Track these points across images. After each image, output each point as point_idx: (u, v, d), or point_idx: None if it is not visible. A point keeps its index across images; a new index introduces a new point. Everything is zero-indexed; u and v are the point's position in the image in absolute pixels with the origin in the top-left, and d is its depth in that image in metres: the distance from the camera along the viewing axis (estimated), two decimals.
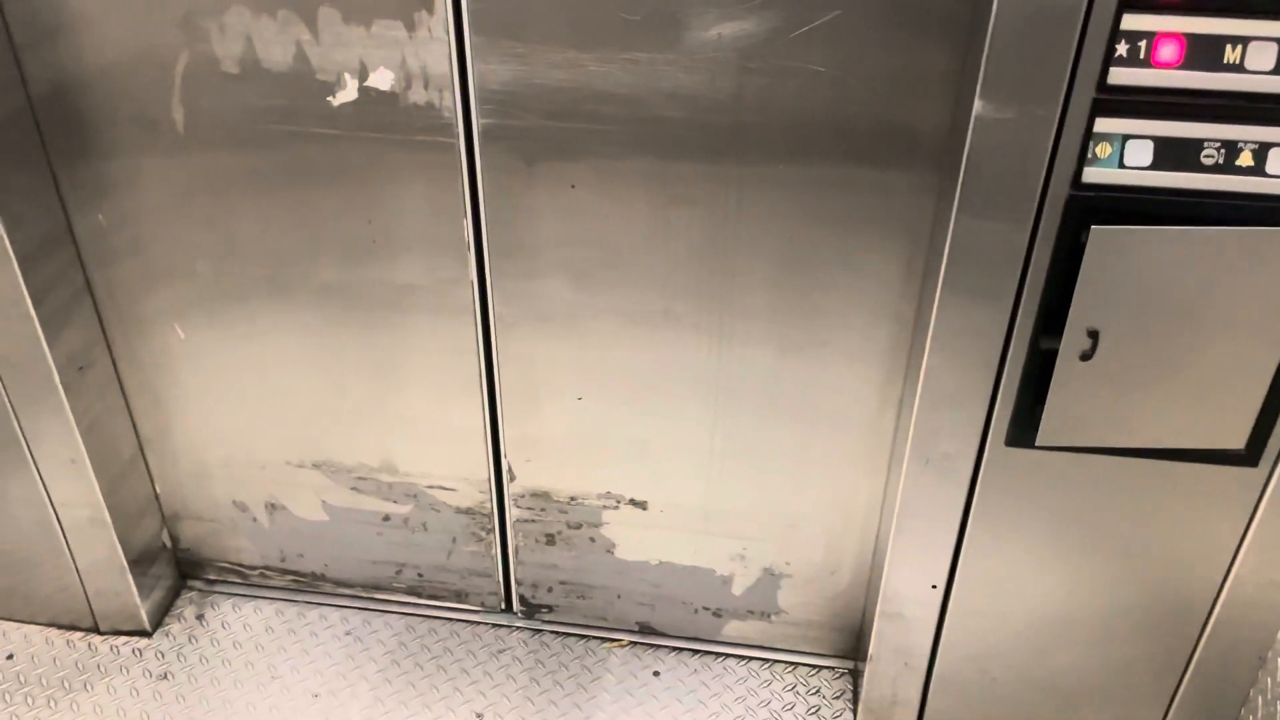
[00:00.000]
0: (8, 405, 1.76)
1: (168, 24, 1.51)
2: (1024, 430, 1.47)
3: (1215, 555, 1.57)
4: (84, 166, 1.67)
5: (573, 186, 1.56)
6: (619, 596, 2.04)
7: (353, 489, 1.99)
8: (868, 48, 1.37)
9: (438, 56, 1.47)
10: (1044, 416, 1.43)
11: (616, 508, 1.91)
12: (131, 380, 1.91)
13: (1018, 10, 1.18)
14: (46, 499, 1.88)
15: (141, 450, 2.00)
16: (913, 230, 1.51)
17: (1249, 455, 1.44)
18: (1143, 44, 1.18)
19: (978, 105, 1.25)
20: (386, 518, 2.02)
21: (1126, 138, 1.24)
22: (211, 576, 2.19)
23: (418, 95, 1.51)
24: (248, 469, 2.00)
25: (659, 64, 1.43)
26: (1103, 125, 1.23)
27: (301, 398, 1.88)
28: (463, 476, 1.93)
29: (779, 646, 2.04)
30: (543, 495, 1.92)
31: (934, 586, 1.68)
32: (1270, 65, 1.17)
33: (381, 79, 1.50)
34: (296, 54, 1.50)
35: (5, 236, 1.59)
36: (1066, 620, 1.69)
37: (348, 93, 1.53)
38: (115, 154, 1.65)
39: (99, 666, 2.01)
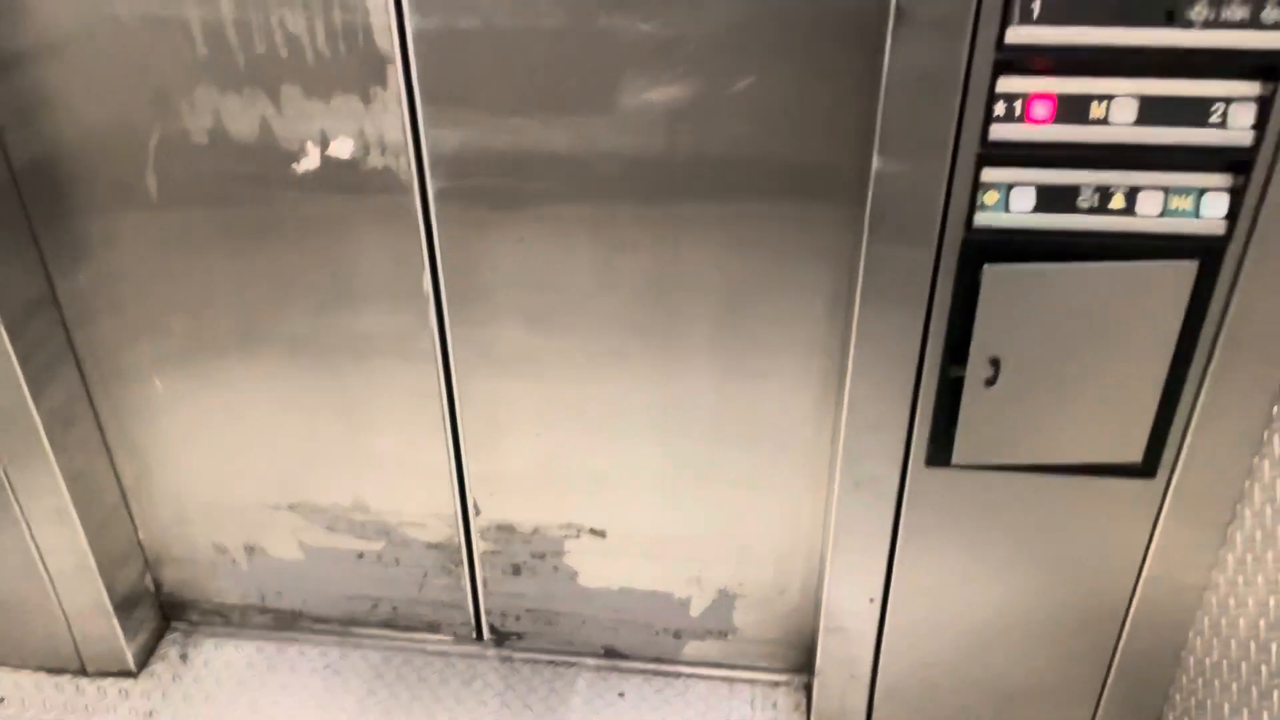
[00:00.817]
0: None
1: (141, 101, 1.63)
2: (941, 451, 1.60)
3: (1125, 561, 1.70)
4: (65, 233, 1.78)
5: (522, 239, 1.68)
6: (584, 622, 2.15)
7: (327, 528, 2.10)
8: (784, 104, 1.50)
9: (393, 125, 1.60)
10: (957, 438, 1.56)
11: (577, 537, 2.03)
12: (113, 432, 2.02)
13: (906, 75, 1.32)
14: (34, 548, 1.98)
15: (124, 498, 2.10)
16: (836, 269, 1.64)
17: (1146, 467, 1.58)
18: (1018, 103, 1.32)
19: (876, 160, 1.39)
20: (360, 555, 2.12)
21: (1010, 185, 1.38)
22: (194, 618, 2.29)
23: (376, 160, 1.64)
24: (226, 513, 2.11)
25: (596, 126, 1.57)
26: (988, 175, 1.37)
27: (275, 443, 1.99)
28: (431, 513, 2.04)
29: (737, 664, 2.15)
30: (507, 528, 2.04)
31: (871, 600, 1.80)
32: (1132, 118, 1.32)
33: (342, 147, 1.63)
34: (262, 126, 1.63)
35: None
36: (998, 626, 1.81)
37: (310, 160, 1.65)
38: (94, 220, 1.77)
39: (87, 708, 2.10)
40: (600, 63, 1.51)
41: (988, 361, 1.48)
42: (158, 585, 2.24)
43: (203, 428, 1.99)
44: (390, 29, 1.52)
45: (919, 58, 1.30)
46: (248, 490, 2.07)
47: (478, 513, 2.03)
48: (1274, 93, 1.27)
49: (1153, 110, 1.31)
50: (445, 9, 1.50)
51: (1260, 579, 1.52)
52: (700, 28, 1.46)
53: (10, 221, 1.74)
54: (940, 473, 1.63)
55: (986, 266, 1.41)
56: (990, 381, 1.50)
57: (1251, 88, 1.28)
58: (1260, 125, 1.29)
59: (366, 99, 1.59)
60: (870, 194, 1.41)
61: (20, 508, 1.93)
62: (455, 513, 2.04)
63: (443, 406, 1.90)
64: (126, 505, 2.11)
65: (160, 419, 1.99)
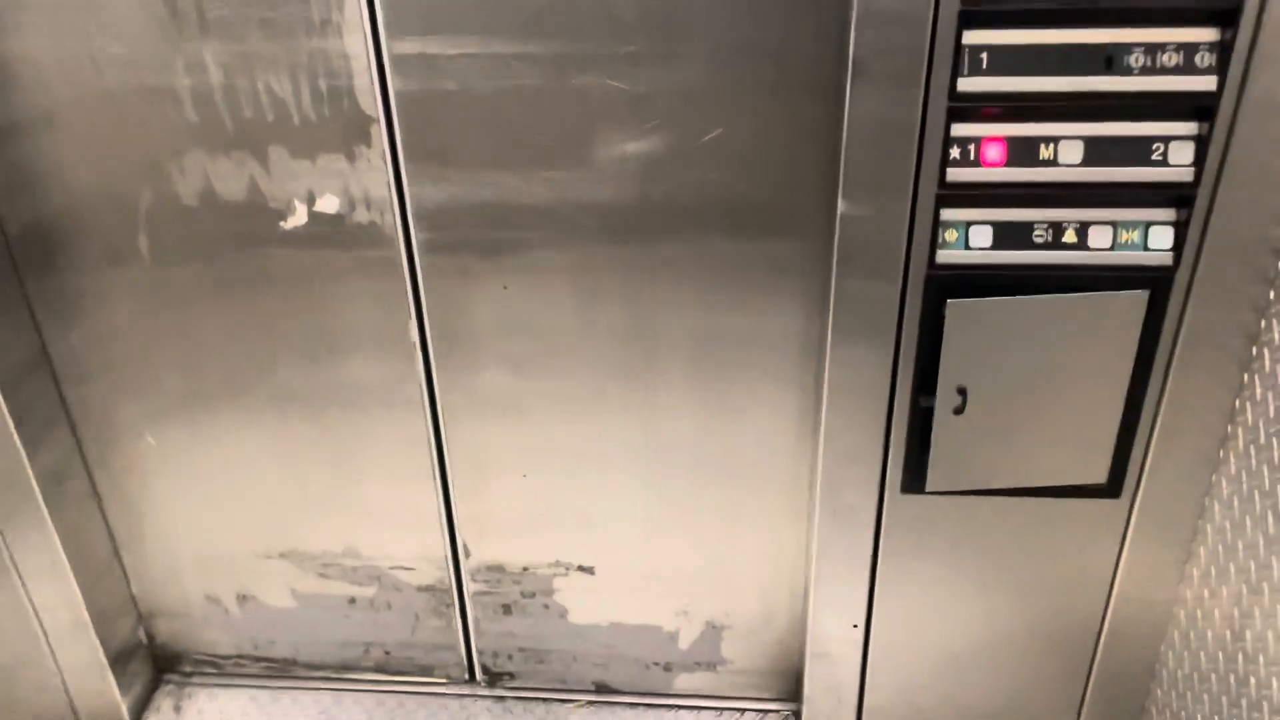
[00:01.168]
0: None
1: (132, 167, 1.69)
2: (915, 479, 1.66)
3: (1096, 579, 1.76)
4: (57, 295, 1.83)
5: (505, 287, 1.74)
6: (575, 659, 2.18)
7: (319, 575, 2.13)
8: (751, 152, 1.58)
9: (377, 182, 1.67)
10: (930, 466, 1.63)
11: (566, 574, 2.07)
12: (105, 487, 2.05)
13: (865, 124, 1.40)
14: (29, 605, 2.00)
15: (117, 552, 2.13)
16: (806, 305, 1.71)
17: (1111, 488, 1.64)
18: (971, 147, 1.40)
19: (841, 204, 1.46)
20: (352, 600, 2.16)
21: (969, 224, 1.46)
22: (187, 669, 2.31)
23: (361, 216, 1.70)
24: (218, 563, 2.14)
25: (573, 180, 1.63)
26: (947, 215, 1.45)
27: (266, 492, 2.03)
28: (422, 556, 2.08)
29: (726, 695, 2.19)
30: (497, 568, 2.08)
31: (855, 626, 1.86)
32: (1079, 159, 1.40)
33: (328, 204, 1.69)
34: (250, 186, 1.69)
35: None
36: (977, 647, 1.87)
37: (298, 217, 1.71)
38: (86, 282, 1.81)
39: None
40: (575, 119, 1.58)
41: (955, 391, 1.55)
42: (150, 637, 2.26)
43: (194, 480, 2.03)
44: (374, 91, 1.59)
45: (877, 108, 1.38)
46: (239, 540, 2.10)
47: (468, 555, 2.07)
48: (1210, 131, 1.35)
49: (1097, 151, 1.39)
50: (425, 72, 1.56)
51: (1225, 591, 1.58)
52: (669, 84, 1.54)
53: (4, 286, 1.78)
54: (915, 500, 1.69)
55: (950, 301, 1.48)
56: (959, 410, 1.56)
57: (1189, 127, 1.37)
58: (1199, 162, 1.38)
59: (351, 158, 1.65)
60: (837, 236, 1.49)
61: (15, 566, 1.95)
62: (445, 555, 2.08)
63: (431, 452, 1.94)
64: (119, 559, 2.14)
65: (152, 473, 2.02)
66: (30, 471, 1.85)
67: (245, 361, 1.87)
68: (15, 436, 1.81)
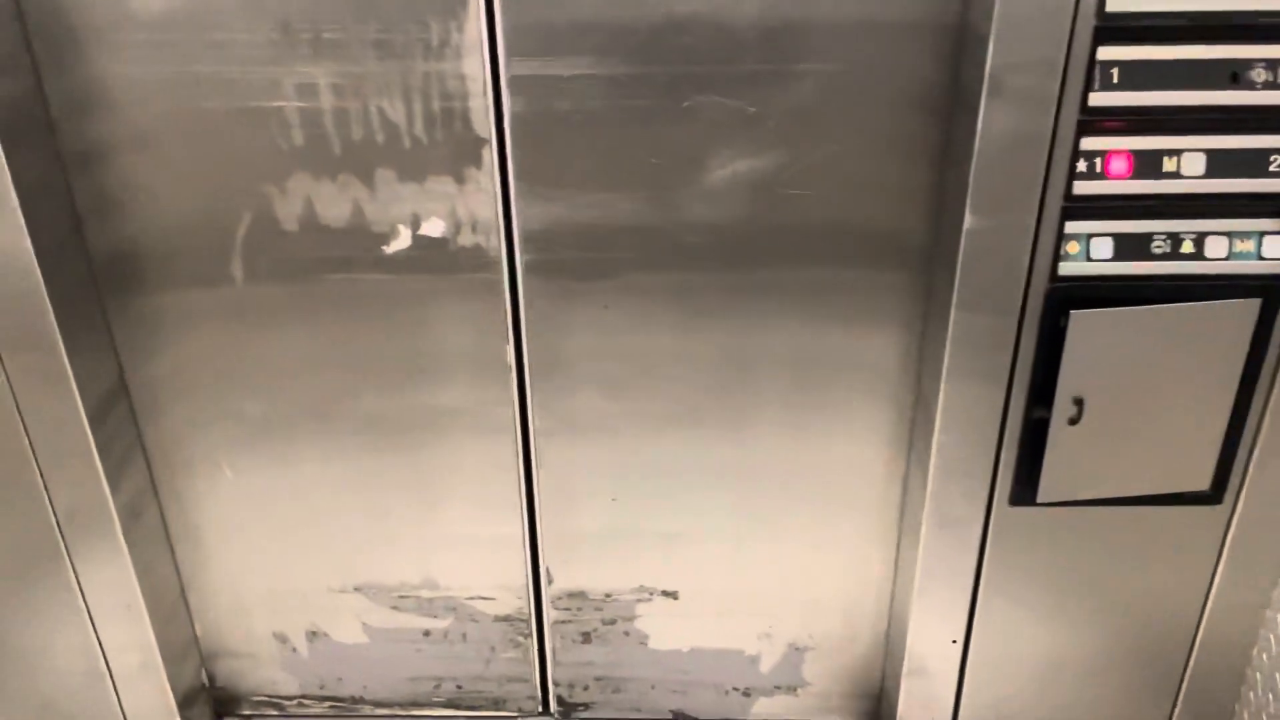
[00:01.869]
0: (66, 557, 1.83)
1: (231, 192, 1.66)
2: (1025, 490, 1.68)
3: (1193, 586, 1.79)
4: (139, 321, 1.78)
5: (605, 307, 1.74)
6: (653, 687, 2.16)
7: (393, 608, 2.09)
8: (860, 171, 1.60)
9: (485, 204, 1.66)
10: (1043, 477, 1.65)
11: (649, 600, 2.05)
12: (176, 521, 1.99)
13: (997, 138, 1.43)
14: (99, 648, 1.93)
15: (183, 590, 2.07)
16: (905, 323, 1.72)
17: (1214, 494, 1.68)
18: (1098, 160, 1.44)
19: (968, 218, 1.48)
20: (426, 633, 2.11)
21: (1090, 236, 1.49)
22: (247, 711, 2.24)
23: (466, 239, 1.69)
24: (289, 599, 2.08)
25: (681, 198, 1.64)
26: (1071, 228, 1.48)
27: (343, 523, 1.98)
28: (502, 584, 2.05)
29: (807, 718, 2.18)
30: (579, 595, 2.05)
31: (954, 641, 1.86)
32: (1201, 171, 1.44)
33: (433, 227, 1.68)
34: (354, 210, 1.67)
35: (77, 395, 1.69)
36: (1072, 659, 1.88)
37: (401, 241, 1.69)
38: (171, 308, 1.77)
39: None
40: (687, 138, 1.59)
41: (1072, 401, 1.57)
42: (210, 679, 2.19)
43: (269, 512, 1.98)
44: (488, 112, 1.58)
45: (1010, 122, 1.41)
46: (311, 574, 2.05)
47: (550, 581, 2.04)
48: None
49: (1218, 163, 1.43)
50: (541, 93, 1.57)
51: None
52: (783, 103, 1.56)
53: (88, 313, 1.74)
54: (1023, 511, 1.71)
55: (1073, 313, 1.50)
56: (1074, 420, 1.59)
57: None
58: None
59: (460, 180, 1.64)
60: (961, 251, 1.51)
61: (87, 606, 1.89)
62: (526, 583, 2.05)
63: (519, 476, 1.92)
64: (184, 598, 2.08)
65: (225, 506, 1.97)
66: (113, 506, 1.79)
67: (332, 387, 1.84)
68: (100, 469, 1.75)
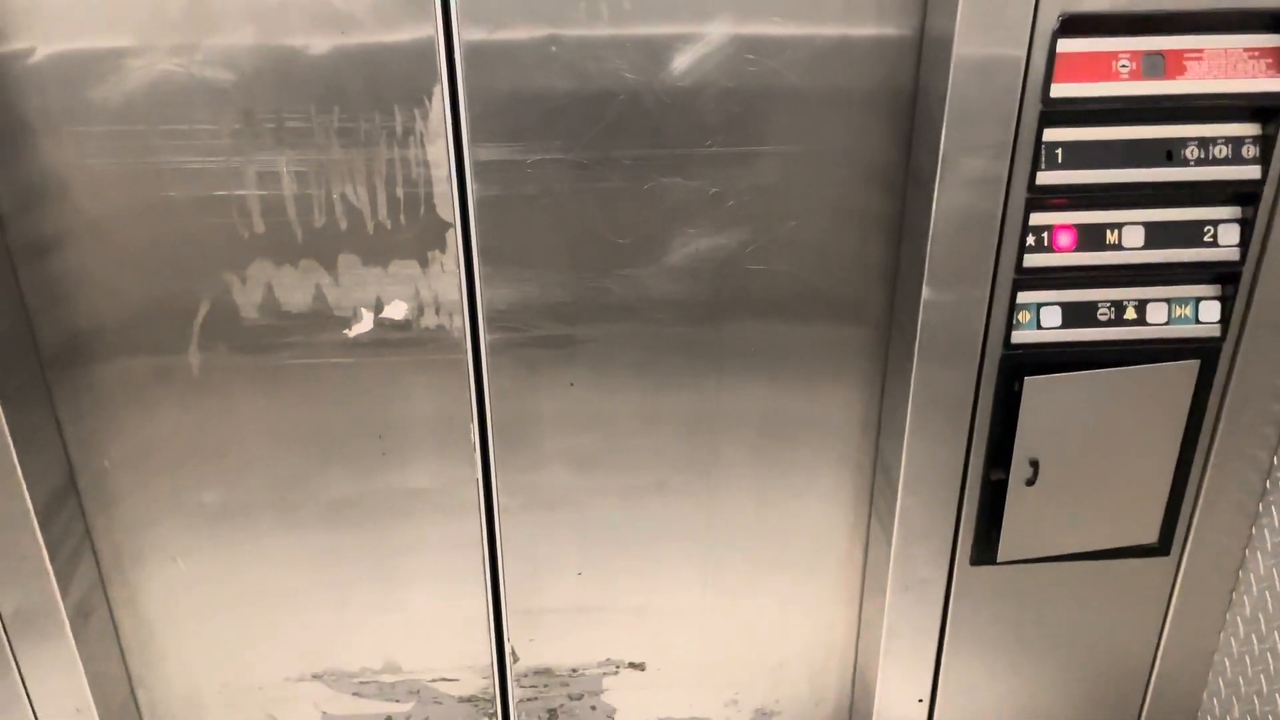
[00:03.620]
0: (12, 662, 1.75)
1: (189, 280, 1.64)
2: (985, 550, 1.73)
3: (1146, 633, 1.86)
4: (91, 417, 1.73)
5: (571, 384, 1.75)
6: None
7: (354, 694, 2.04)
8: (820, 245, 1.66)
9: (449, 287, 1.66)
10: (1002, 536, 1.70)
11: (616, 673, 2.04)
12: (126, 617, 1.92)
13: (951, 216, 1.49)
14: None
15: (133, 689, 1.99)
16: (867, 387, 1.77)
17: (1161, 546, 1.75)
18: (1046, 235, 1.51)
19: (926, 291, 1.54)
20: (389, 719, 2.07)
21: (1040, 305, 1.56)
22: None
23: (430, 320, 1.69)
24: (244, 691, 2.02)
25: (645, 276, 1.67)
26: (1023, 298, 1.55)
27: (304, 610, 1.94)
28: (466, 665, 2.02)
29: None
30: (545, 672, 2.03)
31: (920, 700, 1.89)
32: (1140, 243, 1.52)
33: (396, 310, 1.68)
34: (316, 295, 1.66)
35: (26, 495, 1.63)
36: (1033, 710, 1.93)
37: (363, 325, 1.69)
38: (123, 401, 1.73)
39: None
40: (652, 218, 1.63)
41: (1028, 463, 1.63)
42: None
43: (224, 602, 1.92)
44: (452, 197, 1.60)
45: (963, 201, 1.48)
46: (268, 664, 1.99)
47: (515, 660, 2.02)
48: (1254, 215, 1.50)
49: (1157, 234, 1.52)
50: (506, 178, 1.59)
51: (1276, 635, 1.69)
52: (743, 183, 1.61)
53: (37, 409, 1.68)
54: (984, 571, 1.76)
55: (1028, 379, 1.57)
56: (1030, 481, 1.64)
57: (1235, 211, 1.51)
58: (1244, 242, 1.52)
59: (425, 263, 1.65)
60: (920, 321, 1.56)
61: (34, 712, 1.80)
62: (491, 662, 2.02)
63: (483, 554, 1.90)
64: (134, 697, 2.00)
65: (178, 597, 1.91)
66: (62, 608, 1.72)
67: (291, 471, 1.81)
68: (50, 569, 1.69)
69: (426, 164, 1.58)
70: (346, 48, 1.50)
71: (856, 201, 1.63)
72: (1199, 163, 1.47)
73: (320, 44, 1.50)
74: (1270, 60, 1.43)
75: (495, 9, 1.49)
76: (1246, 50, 1.42)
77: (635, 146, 1.58)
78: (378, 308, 1.68)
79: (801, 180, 1.61)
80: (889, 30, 1.52)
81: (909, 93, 1.53)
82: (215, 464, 1.79)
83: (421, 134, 1.56)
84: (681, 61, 1.53)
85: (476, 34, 1.50)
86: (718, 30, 1.51)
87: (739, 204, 1.62)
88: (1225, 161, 1.47)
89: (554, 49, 1.51)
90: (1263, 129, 1.46)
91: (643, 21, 1.50)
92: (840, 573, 1.95)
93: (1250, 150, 1.46)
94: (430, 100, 1.53)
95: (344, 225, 1.61)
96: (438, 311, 1.69)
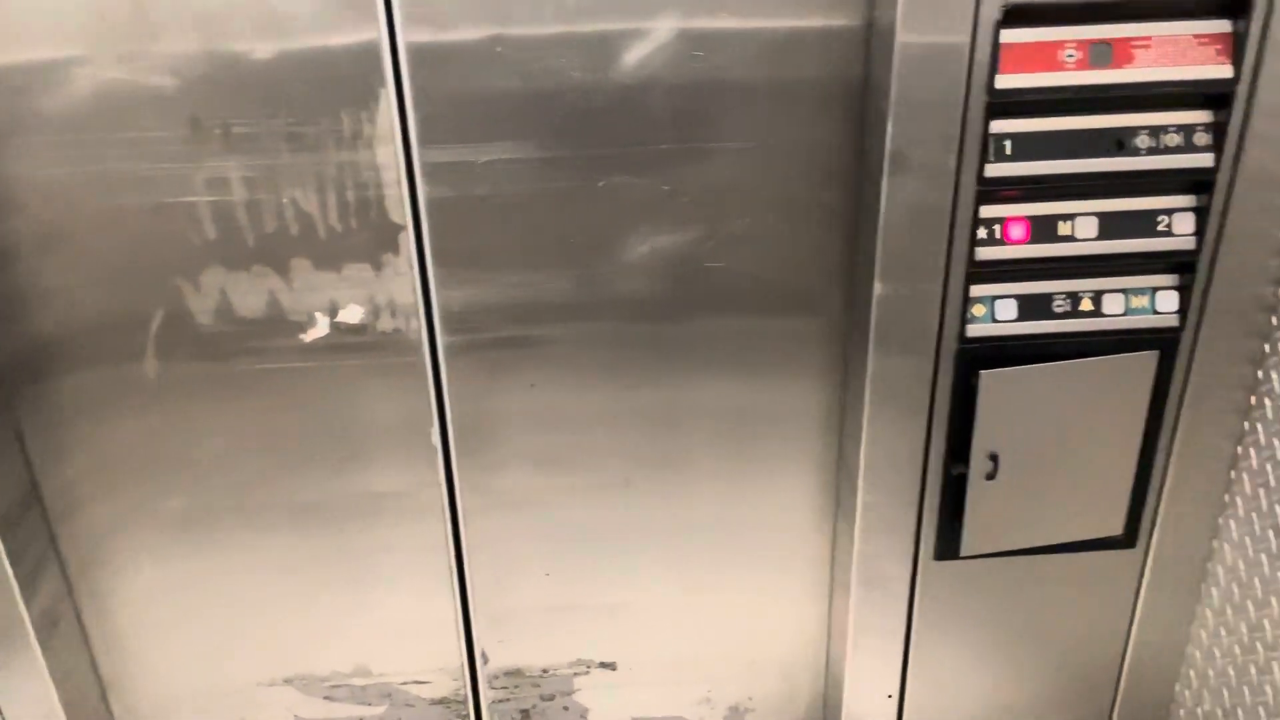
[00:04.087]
0: None
1: (143, 289, 1.64)
2: (948, 545, 1.72)
3: (1116, 627, 1.84)
4: (51, 425, 1.73)
5: (532, 385, 1.75)
6: None
7: (325, 698, 2.04)
8: (775, 240, 1.64)
9: (403, 289, 1.66)
10: (964, 531, 1.69)
11: (588, 673, 2.04)
12: (95, 624, 1.92)
13: (901, 209, 1.48)
14: None
15: (104, 694, 1.99)
16: (828, 382, 1.76)
17: (1127, 539, 1.74)
18: (997, 227, 1.50)
19: (878, 286, 1.53)
20: None
21: (995, 298, 1.55)
22: None
23: (385, 324, 1.69)
24: (216, 696, 2.02)
25: (602, 274, 1.66)
26: (976, 291, 1.54)
27: (273, 615, 1.94)
28: (437, 668, 2.02)
29: None
30: (515, 673, 2.03)
31: (889, 696, 1.88)
32: (1094, 233, 1.51)
33: (351, 314, 1.67)
34: (270, 301, 1.66)
35: None
36: (1004, 704, 1.92)
37: (319, 329, 1.68)
38: (84, 409, 1.73)
39: None
40: (606, 217, 1.62)
41: (987, 457, 1.62)
42: None
43: (193, 608, 1.92)
44: (404, 200, 1.59)
45: (912, 194, 1.47)
46: (239, 669, 2.00)
47: (486, 661, 2.02)
48: (1209, 203, 1.48)
49: (1110, 225, 1.51)
50: (456, 179, 1.58)
51: (1243, 627, 1.68)
52: (698, 180, 1.60)
53: None
54: (948, 565, 1.75)
55: (983, 372, 1.56)
56: (991, 475, 1.63)
57: (1190, 200, 1.50)
58: (1199, 231, 1.51)
59: (378, 266, 1.64)
60: (873, 316, 1.55)
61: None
62: (462, 664, 2.02)
63: (450, 557, 1.90)
64: (106, 703, 2.00)
65: (147, 604, 1.91)
66: (26, 616, 1.72)
67: (255, 476, 1.81)
68: (12, 579, 1.69)
69: (376, 167, 1.57)
70: (291, 52, 1.49)
71: (812, 196, 1.61)
72: (1150, 152, 1.46)
73: (264, 49, 1.49)
74: (1220, 46, 1.41)
75: (439, 10, 1.48)
76: (1196, 37, 1.41)
77: (586, 145, 1.57)
78: (333, 312, 1.67)
79: (756, 176, 1.60)
80: (837, 21, 1.50)
81: (859, 85, 1.52)
82: (179, 471, 1.79)
83: (370, 137, 1.55)
84: (629, 58, 1.52)
85: (420, 35, 1.49)
86: (664, 26, 1.50)
87: (694, 201, 1.61)
88: (1177, 150, 1.46)
89: (499, 49, 1.50)
90: (1214, 116, 1.44)
91: (588, 19, 1.49)
92: (810, 568, 1.94)
93: (1203, 138, 1.45)
94: (377, 103, 1.53)
95: (295, 230, 1.61)
96: (394, 314, 1.68)
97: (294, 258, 1.63)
